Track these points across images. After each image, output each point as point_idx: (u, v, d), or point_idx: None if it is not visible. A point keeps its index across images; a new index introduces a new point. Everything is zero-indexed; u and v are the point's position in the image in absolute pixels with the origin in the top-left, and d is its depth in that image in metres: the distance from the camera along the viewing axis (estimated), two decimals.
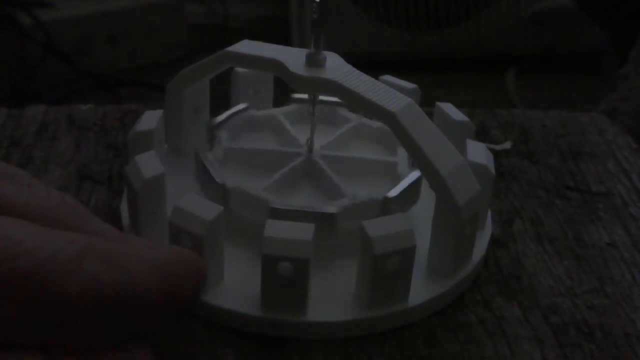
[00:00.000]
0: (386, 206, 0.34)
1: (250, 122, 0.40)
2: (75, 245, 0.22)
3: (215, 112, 0.41)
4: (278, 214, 0.32)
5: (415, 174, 0.35)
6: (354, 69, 0.34)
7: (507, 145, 0.46)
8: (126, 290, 0.22)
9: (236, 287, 0.32)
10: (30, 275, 0.21)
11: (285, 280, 0.30)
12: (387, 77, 0.41)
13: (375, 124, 0.41)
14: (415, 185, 0.35)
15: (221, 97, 0.42)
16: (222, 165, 0.36)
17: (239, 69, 0.42)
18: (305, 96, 0.41)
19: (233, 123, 0.39)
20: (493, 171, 0.35)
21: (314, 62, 0.34)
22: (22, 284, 0.20)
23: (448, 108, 0.40)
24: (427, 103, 0.38)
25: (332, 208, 0.33)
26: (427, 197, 0.35)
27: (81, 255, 0.21)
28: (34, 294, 0.21)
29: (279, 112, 0.41)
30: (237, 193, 0.34)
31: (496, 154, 0.44)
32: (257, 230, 0.30)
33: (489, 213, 0.38)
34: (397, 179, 0.36)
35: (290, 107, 0.42)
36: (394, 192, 0.34)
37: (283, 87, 0.37)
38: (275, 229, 0.29)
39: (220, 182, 0.34)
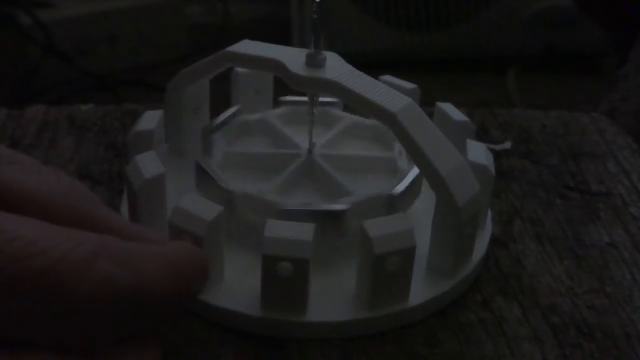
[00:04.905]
0: (393, 201, 0.34)
1: (243, 126, 0.40)
2: (88, 245, 0.22)
3: (215, 112, 0.41)
4: (287, 215, 0.32)
5: (416, 169, 0.35)
6: (354, 69, 0.34)
7: (507, 145, 0.46)
8: (140, 289, 0.22)
9: (236, 287, 0.32)
10: (43, 275, 0.21)
11: (285, 280, 0.30)
12: (387, 77, 0.41)
13: (369, 121, 0.41)
14: (418, 179, 0.35)
15: (221, 97, 0.42)
16: (222, 171, 0.36)
17: (239, 69, 0.42)
18: (295, 98, 0.41)
19: (227, 128, 0.39)
20: (493, 171, 0.35)
21: (314, 62, 0.34)
22: (35, 283, 0.21)
23: (448, 108, 0.40)
24: (427, 103, 0.38)
25: (340, 206, 0.33)
26: (427, 197, 0.35)
27: (95, 255, 0.21)
28: (47, 293, 0.21)
29: (270, 115, 0.41)
30: (244, 198, 0.33)
31: (496, 154, 0.44)
32: (258, 231, 0.30)
33: (489, 213, 0.38)
34: (398, 174, 0.36)
35: (281, 110, 0.41)
36: (400, 187, 0.34)
37: (283, 87, 0.37)
38: (275, 229, 0.29)
39: (227, 188, 0.34)
